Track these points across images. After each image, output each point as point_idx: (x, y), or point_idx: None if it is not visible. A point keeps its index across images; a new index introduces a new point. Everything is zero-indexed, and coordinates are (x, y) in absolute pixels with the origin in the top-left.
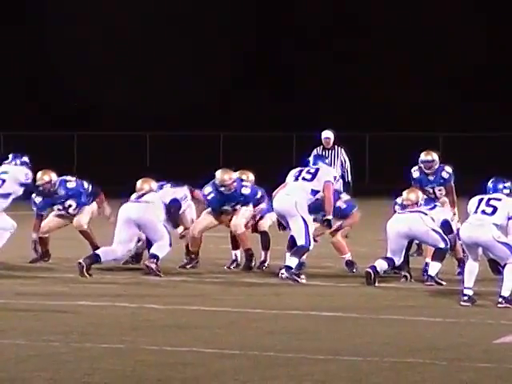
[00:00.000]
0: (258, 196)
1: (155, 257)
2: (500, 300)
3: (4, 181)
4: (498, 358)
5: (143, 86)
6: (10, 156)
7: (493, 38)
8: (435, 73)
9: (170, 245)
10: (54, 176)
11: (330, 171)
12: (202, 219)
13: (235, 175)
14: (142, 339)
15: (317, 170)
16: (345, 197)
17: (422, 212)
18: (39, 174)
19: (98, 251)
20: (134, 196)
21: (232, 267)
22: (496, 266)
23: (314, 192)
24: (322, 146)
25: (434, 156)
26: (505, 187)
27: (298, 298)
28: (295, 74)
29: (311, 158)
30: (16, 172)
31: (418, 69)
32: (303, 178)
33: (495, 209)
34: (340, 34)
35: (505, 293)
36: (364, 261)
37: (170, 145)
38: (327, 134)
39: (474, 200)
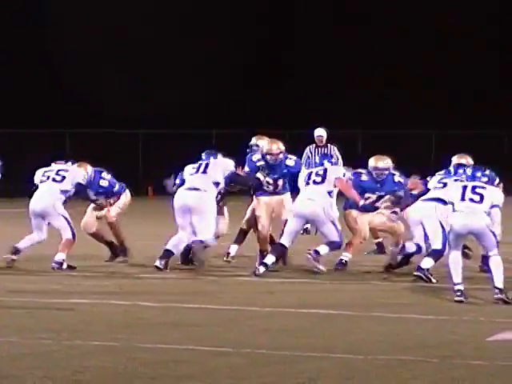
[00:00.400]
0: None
1: (201, 241)
2: (496, 291)
3: (64, 177)
4: (490, 356)
5: (140, 86)
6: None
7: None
8: (431, 72)
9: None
10: (89, 169)
11: (339, 169)
12: (264, 217)
13: (283, 147)
14: (135, 337)
15: (325, 170)
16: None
17: (441, 200)
18: (75, 166)
19: (168, 246)
20: (190, 171)
21: (226, 259)
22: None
23: (329, 192)
24: (314, 144)
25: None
26: (483, 175)
27: (292, 296)
28: (282, 73)
29: (317, 159)
30: (76, 170)
31: (407, 67)
32: (314, 182)
33: (482, 196)
34: (339, 34)
35: (499, 284)
36: (363, 259)
37: (160, 143)
38: (320, 132)
39: (456, 187)
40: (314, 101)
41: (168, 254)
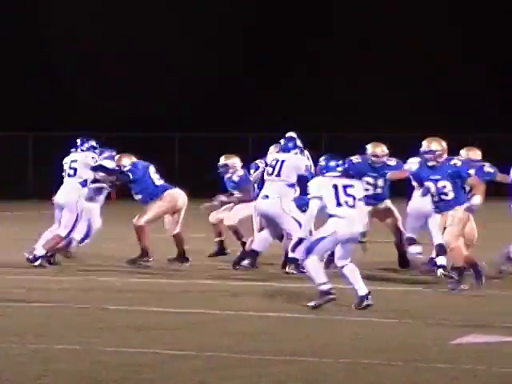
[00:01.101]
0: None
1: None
2: (364, 298)
3: (76, 169)
4: (454, 359)
5: (138, 86)
6: (78, 141)
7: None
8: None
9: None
10: (124, 161)
11: None
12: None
13: (386, 150)
14: (98, 340)
15: None
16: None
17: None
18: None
19: (253, 246)
20: (268, 169)
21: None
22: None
23: None
24: None
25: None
26: (338, 165)
27: (255, 299)
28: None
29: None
30: (83, 157)
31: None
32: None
33: (354, 198)
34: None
35: (363, 292)
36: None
37: (132, 146)
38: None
39: (327, 186)
40: (275, 103)
41: (253, 254)
